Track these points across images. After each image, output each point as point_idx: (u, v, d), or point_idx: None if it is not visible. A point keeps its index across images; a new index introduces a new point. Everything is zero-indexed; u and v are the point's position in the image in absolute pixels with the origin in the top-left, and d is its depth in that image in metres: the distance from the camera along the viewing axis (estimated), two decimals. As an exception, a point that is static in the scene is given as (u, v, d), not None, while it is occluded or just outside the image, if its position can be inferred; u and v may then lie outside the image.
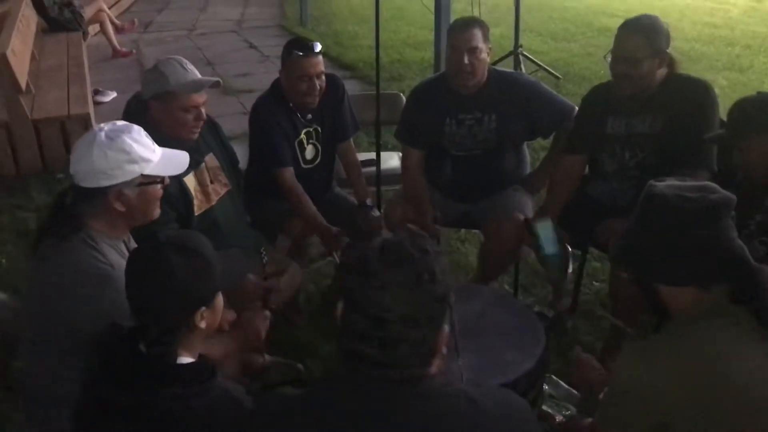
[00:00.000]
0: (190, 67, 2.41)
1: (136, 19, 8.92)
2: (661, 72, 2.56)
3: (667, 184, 1.56)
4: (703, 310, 1.49)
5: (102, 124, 1.87)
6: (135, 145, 1.82)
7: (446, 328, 1.29)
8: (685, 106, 2.54)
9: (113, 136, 1.80)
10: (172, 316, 1.50)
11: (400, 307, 1.21)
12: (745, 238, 2.22)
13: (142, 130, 1.89)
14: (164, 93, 2.35)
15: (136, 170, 1.82)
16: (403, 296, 1.21)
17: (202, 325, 1.54)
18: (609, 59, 2.60)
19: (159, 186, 1.91)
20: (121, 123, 1.89)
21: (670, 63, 2.57)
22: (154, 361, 1.48)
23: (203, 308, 1.53)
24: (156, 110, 2.38)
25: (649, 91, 2.57)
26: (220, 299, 1.61)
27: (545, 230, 2.72)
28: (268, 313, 2.15)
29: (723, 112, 2.39)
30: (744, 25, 8.17)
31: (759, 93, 2.33)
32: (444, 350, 1.30)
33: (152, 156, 1.87)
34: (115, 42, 7.73)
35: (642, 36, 2.50)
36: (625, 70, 2.54)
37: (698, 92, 2.58)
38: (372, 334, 1.22)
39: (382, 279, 1.22)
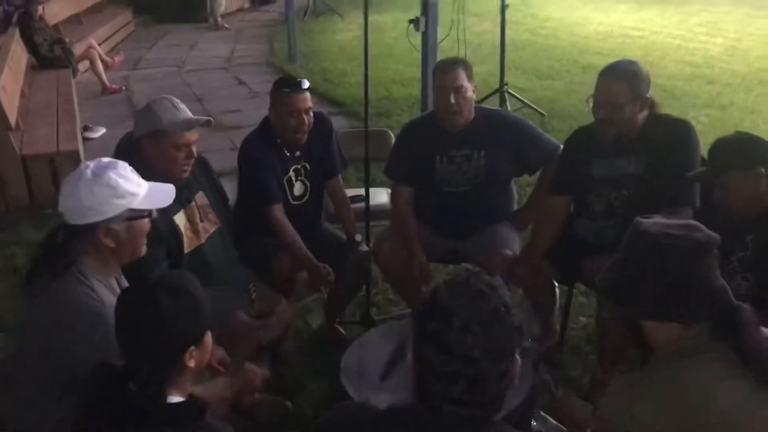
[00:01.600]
0: (182, 106, 2.45)
1: (122, 52, 8.97)
2: (643, 115, 2.62)
3: (653, 221, 1.58)
4: (685, 346, 1.51)
5: (88, 162, 1.90)
6: (121, 181, 1.84)
7: (518, 357, 1.31)
8: (667, 145, 2.60)
9: (99, 173, 1.83)
10: (162, 356, 1.51)
11: (484, 343, 1.24)
12: (728, 274, 2.27)
13: (127, 165, 1.91)
14: (156, 131, 2.39)
15: (123, 205, 1.84)
16: (485, 332, 1.24)
17: (192, 364, 1.55)
18: (590, 104, 2.66)
19: (147, 220, 1.93)
20: (106, 159, 1.92)
21: (651, 105, 2.63)
22: (144, 401, 1.48)
23: (193, 348, 1.54)
24: (148, 148, 2.41)
25: (631, 133, 2.63)
26: (209, 338, 1.62)
27: None
28: (267, 372, 2.15)
29: (704, 149, 2.43)
30: (724, 64, 8.34)
31: (737, 132, 2.40)
32: (517, 381, 1.33)
33: (139, 190, 1.89)
34: (105, 78, 7.78)
35: (622, 82, 2.56)
36: (607, 115, 2.59)
37: (679, 132, 2.64)
38: (461, 373, 1.24)
39: (463, 319, 1.24)
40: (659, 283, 1.52)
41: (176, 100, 2.46)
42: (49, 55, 7.38)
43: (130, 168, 1.91)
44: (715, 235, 1.53)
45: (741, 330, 1.47)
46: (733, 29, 10.39)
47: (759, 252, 2.29)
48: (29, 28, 7.26)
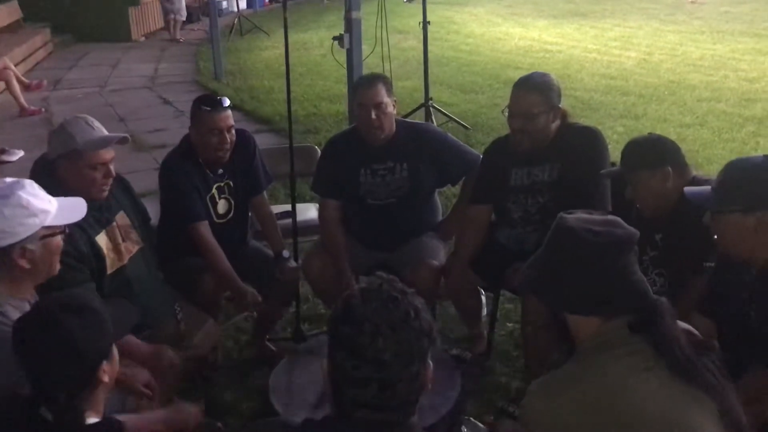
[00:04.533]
0: (97, 124, 2.40)
1: (45, 81, 8.68)
2: (555, 124, 2.72)
3: (576, 217, 1.62)
4: (604, 339, 1.55)
5: None
6: (31, 199, 1.80)
7: (430, 362, 1.33)
8: (578, 152, 2.71)
9: (7, 194, 1.78)
10: (78, 377, 1.48)
11: (394, 346, 1.26)
12: (642, 271, 2.38)
13: (34, 183, 1.87)
14: (71, 152, 2.33)
15: (36, 223, 1.80)
16: (395, 336, 1.26)
17: (106, 378, 1.53)
18: (506, 114, 2.75)
19: (60, 237, 1.89)
20: (10, 180, 1.86)
21: (563, 115, 2.74)
22: (62, 427, 1.44)
23: (104, 362, 1.52)
24: (63, 169, 2.35)
25: (545, 142, 2.73)
26: (115, 349, 1.60)
27: None
28: (203, 409, 2.12)
29: (618, 156, 2.55)
30: (637, 76, 8.71)
31: (648, 134, 2.53)
32: (429, 386, 1.35)
33: (50, 207, 1.85)
34: (22, 100, 7.52)
35: (536, 93, 2.66)
36: (521, 125, 2.69)
37: (588, 139, 2.76)
38: (371, 377, 1.26)
39: (373, 323, 1.26)
40: (581, 277, 1.56)
41: (91, 119, 2.40)
42: None
43: (38, 185, 1.87)
44: (635, 231, 1.58)
45: (659, 323, 1.52)
46: (645, 43, 10.88)
47: (668, 250, 2.41)
48: None
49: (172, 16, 12.53)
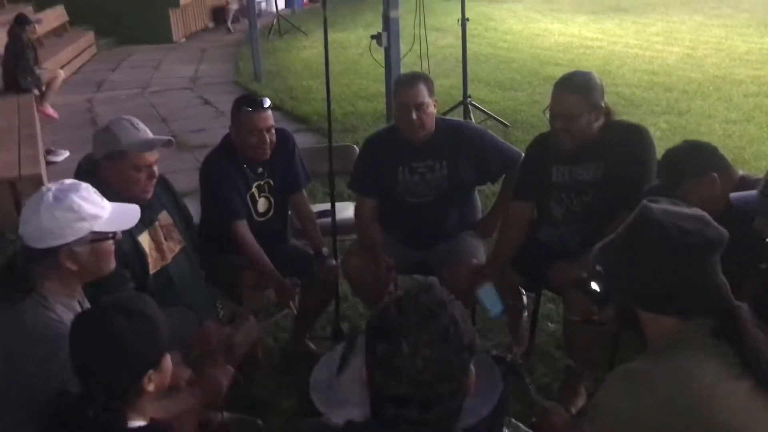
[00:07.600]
0: (142, 126, 2.43)
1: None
2: (599, 123, 2.65)
3: (663, 209, 1.52)
4: (681, 338, 1.47)
5: (50, 184, 1.87)
6: (83, 203, 1.82)
7: (472, 368, 1.28)
8: (623, 151, 2.65)
9: (61, 196, 1.81)
10: (119, 381, 1.49)
11: (434, 365, 1.20)
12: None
13: (90, 187, 1.89)
14: (115, 153, 2.36)
15: (85, 228, 1.82)
16: (435, 354, 1.20)
17: (151, 388, 1.53)
18: (548, 115, 2.70)
19: (111, 241, 1.91)
20: (69, 182, 1.89)
21: (607, 112, 2.67)
22: (103, 428, 1.45)
23: (151, 371, 1.53)
24: (107, 170, 2.38)
25: (588, 141, 2.66)
26: (168, 360, 1.60)
27: (487, 295, 2.79)
28: (230, 368, 2.14)
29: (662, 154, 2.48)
30: (681, 72, 8.53)
31: (684, 141, 2.45)
32: (471, 391, 1.30)
33: (101, 212, 1.87)
34: (47, 102, 7.60)
35: (577, 93, 2.60)
36: (563, 125, 2.63)
37: (634, 137, 2.69)
38: (412, 396, 1.21)
39: (411, 342, 1.20)
40: (663, 276, 1.47)
41: (135, 120, 2.43)
42: (23, 81, 7.19)
43: (93, 189, 1.89)
44: (725, 232, 1.49)
45: (742, 330, 1.44)
46: (689, 38, 10.64)
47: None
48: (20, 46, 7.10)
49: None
